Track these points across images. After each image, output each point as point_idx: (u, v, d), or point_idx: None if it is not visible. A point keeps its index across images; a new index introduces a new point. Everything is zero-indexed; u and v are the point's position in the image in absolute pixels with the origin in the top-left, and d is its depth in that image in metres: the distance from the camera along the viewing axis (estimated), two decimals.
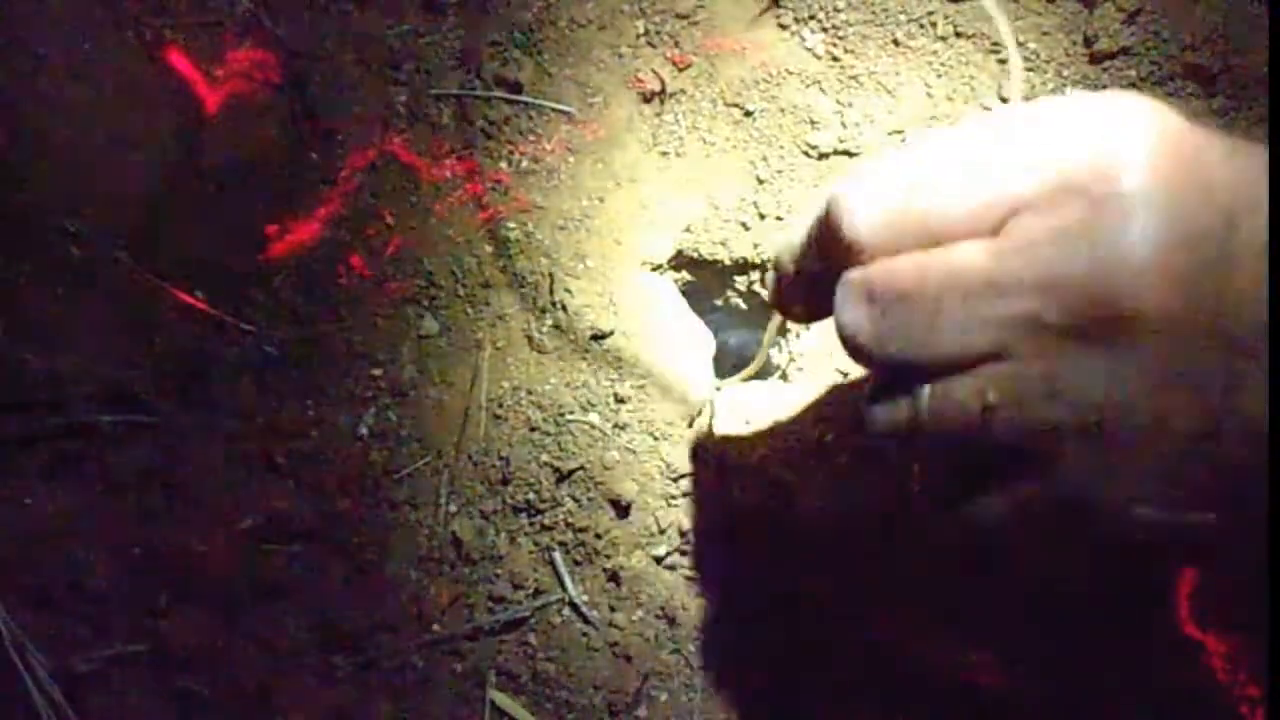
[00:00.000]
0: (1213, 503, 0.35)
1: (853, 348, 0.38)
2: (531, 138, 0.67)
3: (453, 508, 0.65)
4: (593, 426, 0.64)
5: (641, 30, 0.68)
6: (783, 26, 0.67)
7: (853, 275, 0.38)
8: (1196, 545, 0.36)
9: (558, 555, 0.64)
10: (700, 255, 0.68)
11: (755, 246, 0.66)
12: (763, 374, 0.68)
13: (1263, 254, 0.33)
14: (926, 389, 0.37)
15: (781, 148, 0.66)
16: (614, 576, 0.63)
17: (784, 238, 0.45)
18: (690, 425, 0.65)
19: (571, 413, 0.64)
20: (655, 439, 0.64)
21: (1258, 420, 0.33)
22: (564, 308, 0.65)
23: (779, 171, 0.66)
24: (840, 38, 0.66)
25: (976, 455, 0.38)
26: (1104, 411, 0.34)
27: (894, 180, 0.37)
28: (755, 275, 0.69)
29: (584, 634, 0.63)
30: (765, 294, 0.48)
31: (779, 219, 0.66)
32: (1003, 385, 0.36)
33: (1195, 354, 0.33)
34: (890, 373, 0.39)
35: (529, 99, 0.67)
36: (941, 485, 0.41)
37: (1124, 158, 0.33)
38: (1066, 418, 0.35)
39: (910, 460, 0.42)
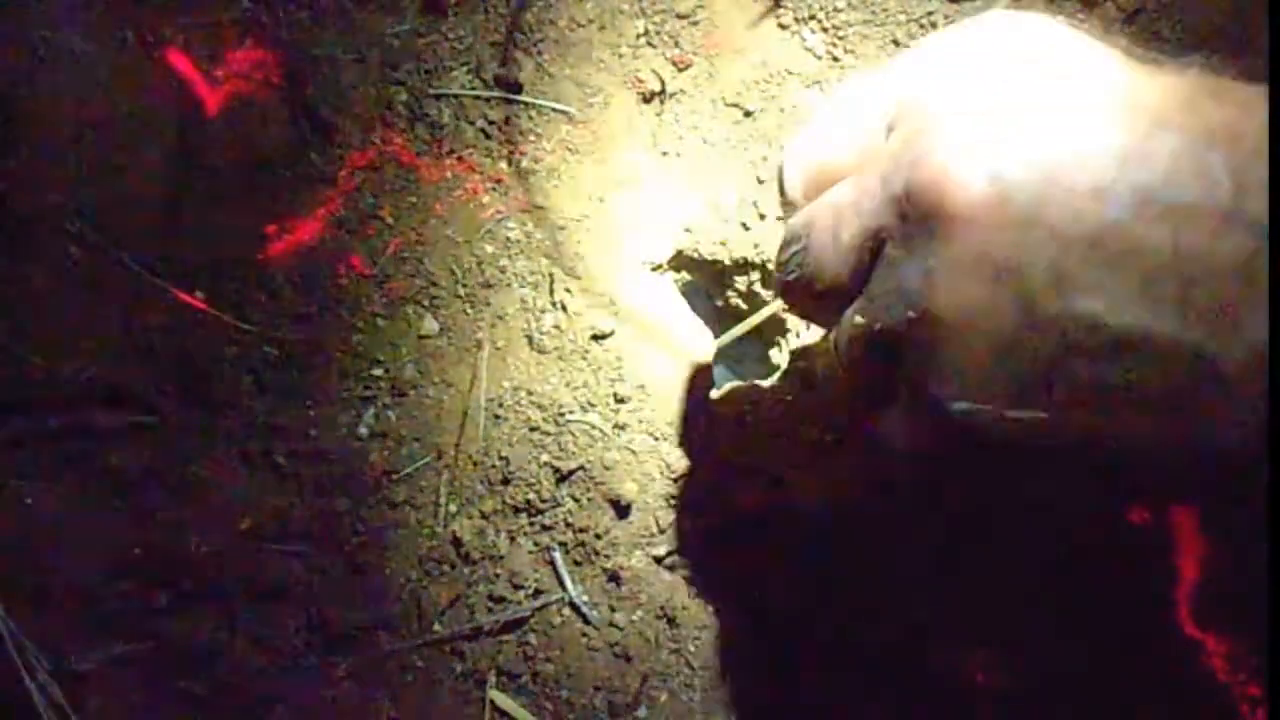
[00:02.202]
0: (1038, 398, 0.34)
1: (782, 286, 0.43)
2: (531, 138, 0.67)
3: (453, 508, 0.65)
4: (593, 426, 0.64)
5: (641, 30, 0.68)
6: (783, 26, 0.67)
7: (786, 224, 0.43)
8: (1039, 445, 0.36)
9: (558, 555, 0.64)
10: (700, 255, 0.68)
11: (755, 246, 0.66)
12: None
13: (1090, 147, 0.33)
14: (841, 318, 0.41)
15: (781, 148, 0.66)
16: (614, 576, 0.63)
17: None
18: (689, 388, 0.65)
19: (571, 413, 0.64)
20: (655, 439, 0.64)
21: (1089, 314, 0.32)
22: (564, 308, 0.65)
23: None
24: (840, 38, 0.66)
25: (871, 377, 0.41)
26: (924, 309, 0.35)
27: (807, 139, 0.42)
28: (755, 275, 0.69)
29: (584, 634, 0.63)
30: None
31: (779, 219, 0.66)
32: (868, 300, 0.38)
33: (1008, 248, 0.33)
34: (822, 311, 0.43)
35: (529, 99, 0.67)
36: (862, 409, 0.43)
37: (934, 72, 0.37)
38: (902, 319, 0.36)
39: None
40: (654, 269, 0.68)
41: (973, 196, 0.33)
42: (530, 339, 0.65)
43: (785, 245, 0.42)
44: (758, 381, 0.68)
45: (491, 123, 0.67)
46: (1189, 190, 0.31)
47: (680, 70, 0.68)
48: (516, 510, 0.64)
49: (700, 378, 0.67)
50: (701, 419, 0.66)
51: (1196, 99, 0.33)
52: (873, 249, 0.38)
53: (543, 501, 0.64)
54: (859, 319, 0.39)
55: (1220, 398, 0.31)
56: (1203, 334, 0.31)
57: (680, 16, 0.67)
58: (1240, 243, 0.30)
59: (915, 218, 0.35)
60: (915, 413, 0.38)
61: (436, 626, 0.64)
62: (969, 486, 0.56)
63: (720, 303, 0.73)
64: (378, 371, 0.66)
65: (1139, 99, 0.33)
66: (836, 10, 0.65)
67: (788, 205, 0.43)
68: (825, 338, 0.46)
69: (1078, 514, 0.58)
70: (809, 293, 0.41)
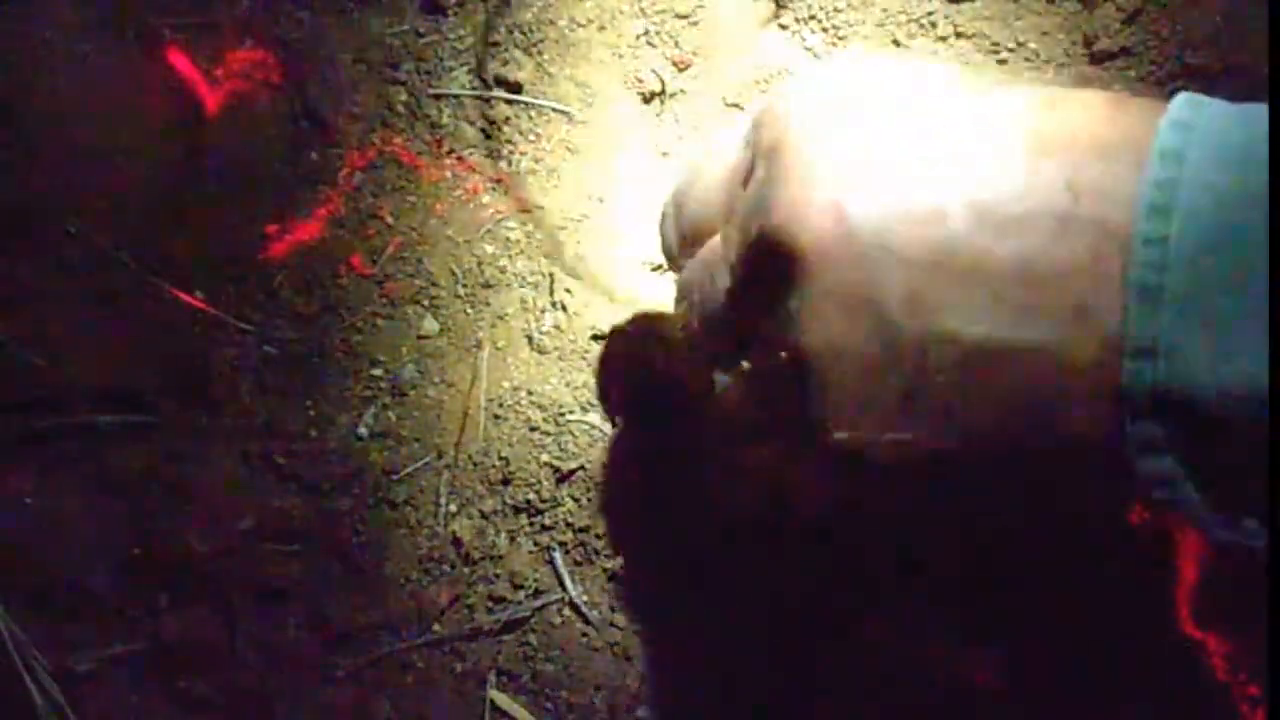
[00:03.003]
0: (909, 419, 0.35)
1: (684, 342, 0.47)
2: (531, 138, 0.67)
3: (453, 508, 0.65)
4: (593, 426, 0.64)
5: (641, 30, 0.68)
6: (783, 27, 0.67)
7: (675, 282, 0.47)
8: (923, 464, 0.37)
9: (558, 555, 0.64)
10: None
11: None
12: None
13: (931, 172, 0.34)
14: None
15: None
16: (614, 576, 0.63)
17: None
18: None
19: (571, 413, 0.64)
20: (655, 439, 0.64)
21: (945, 332, 0.33)
22: (564, 308, 0.65)
23: None
24: (840, 38, 0.66)
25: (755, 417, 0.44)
26: (794, 347, 0.37)
27: (677, 196, 0.46)
28: None
29: (584, 634, 0.63)
30: None
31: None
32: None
33: (861, 280, 0.34)
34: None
35: (529, 99, 0.67)
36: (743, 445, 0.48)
37: (781, 119, 0.38)
38: (776, 360, 0.38)
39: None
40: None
41: (819, 236, 0.34)
42: (530, 339, 0.65)
43: (676, 302, 0.46)
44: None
45: (491, 123, 0.67)
46: (1023, 200, 0.32)
47: (680, 70, 0.68)
48: (516, 510, 0.64)
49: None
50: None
51: (1028, 110, 0.34)
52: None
53: (543, 501, 0.64)
54: (743, 363, 0.41)
55: (1075, 385, 0.32)
56: (1053, 332, 0.32)
57: (680, 16, 0.67)
58: (1080, 243, 0.31)
59: (773, 263, 0.36)
60: (802, 445, 0.40)
61: (436, 626, 0.64)
62: (883, 510, 0.57)
63: None
64: (378, 371, 0.66)
65: (972, 117, 0.35)
66: (836, 10, 0.65)
67: (672, 262, 0.47)
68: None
69: (1005, 528, 0.59)
70: (706, 344, 0.44)
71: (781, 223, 0.35)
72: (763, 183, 0.37)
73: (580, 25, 0.68)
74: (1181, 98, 0.33)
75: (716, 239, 0.42)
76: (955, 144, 0.34)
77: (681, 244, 0.46)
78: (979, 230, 0.33)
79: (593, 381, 0.65)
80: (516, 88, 0.67)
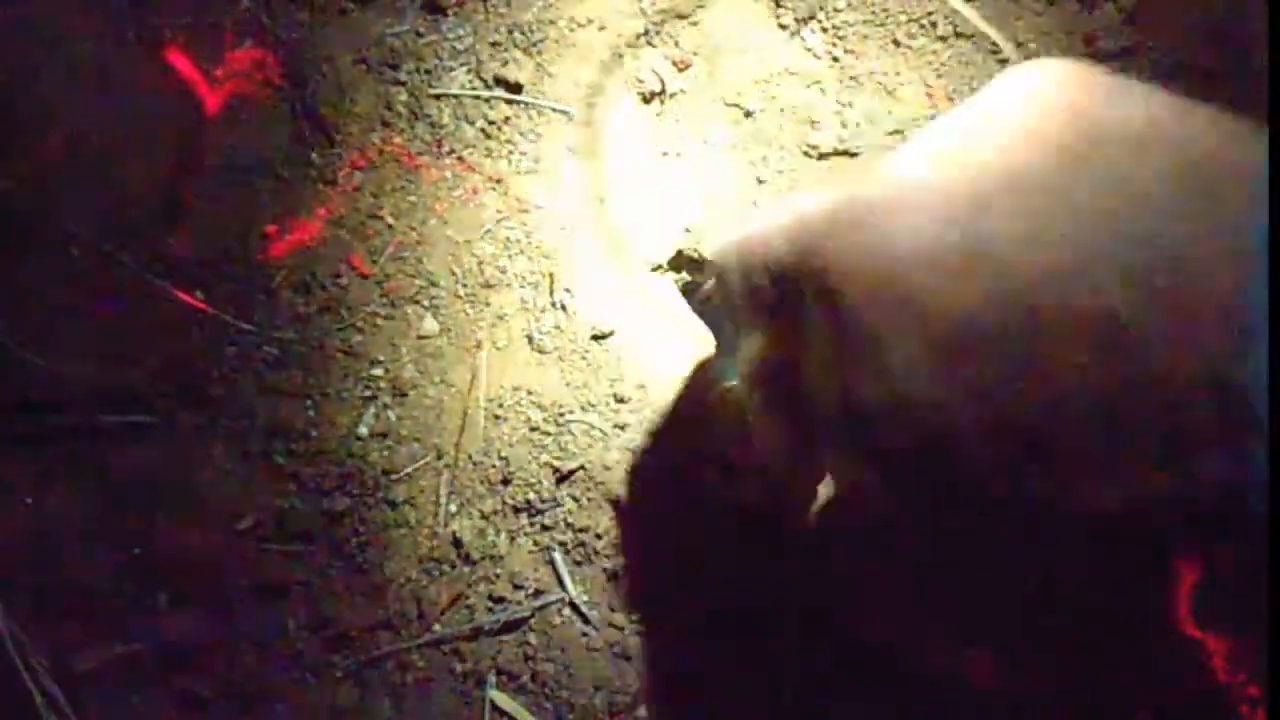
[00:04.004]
0: (890, 465, 0.38)
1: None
2: (531, 138, 0.67)
3: (453, 508, 0.65)
4: (593, 426, 0.64)
5: (641, 30, 0.68)
6: (783, 26, 0.67)
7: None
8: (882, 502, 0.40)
9: (558, 555, 0.64)
10: (700, 255, 0.68)
11: None
12: None
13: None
14: None
15: (781, 148, 0.66)
16: (614, 576, 0.63)
17: None
18: (689, 388, 0.65)
19: (571, 413, 0.64)
20: (655, 439, 0.64)
21: (899, 394, 0.35)
22: (564, 308, 0.65)
23: (779, 171, 0.66)
24: (840, 38, 0.66)
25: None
26: (806, 377, 0.40)
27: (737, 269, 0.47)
28: None
29: (584, 634, 0.63)
30: None
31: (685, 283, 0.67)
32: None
33: (860, 322, 0.36)
34: None
35: (529, 99, 0.67)
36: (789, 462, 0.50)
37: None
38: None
39: None
40: (654, 269, 0.68)
41: (836, 278, 0.38)
42: (530, 339, 0.65)
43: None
44: None
45: (491, 123, 0.67)
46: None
47: (680, 70, 0.68)
48: (516, 510, 0.64)
49: (700, 377, 0.67)
50: (701, 419, 0.66)
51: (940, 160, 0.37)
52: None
53: (543, 501, 0.64)
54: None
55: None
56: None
57: (680, 16, 0.67)
58: None
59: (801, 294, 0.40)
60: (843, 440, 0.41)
61: (436, 626, 0.64)
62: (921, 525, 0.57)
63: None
64: (378, 371, 0.66)
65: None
66: (836, 10, 0.65)
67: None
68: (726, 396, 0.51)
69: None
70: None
71: (806, 263, 0.39)
72: (857, 380, 0.38)
73: (580, 25, 0.68)
74: None
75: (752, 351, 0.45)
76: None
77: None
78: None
79: (593, 381, 0.65)
80: (516, 88, 0.67)
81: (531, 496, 0.64)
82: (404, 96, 0.67)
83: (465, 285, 0.66)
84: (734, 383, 0.68)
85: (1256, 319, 0.30)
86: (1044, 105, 0.36)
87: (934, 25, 0.65)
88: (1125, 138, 0.34)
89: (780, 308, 0.43)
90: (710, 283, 0.50)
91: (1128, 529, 0.41)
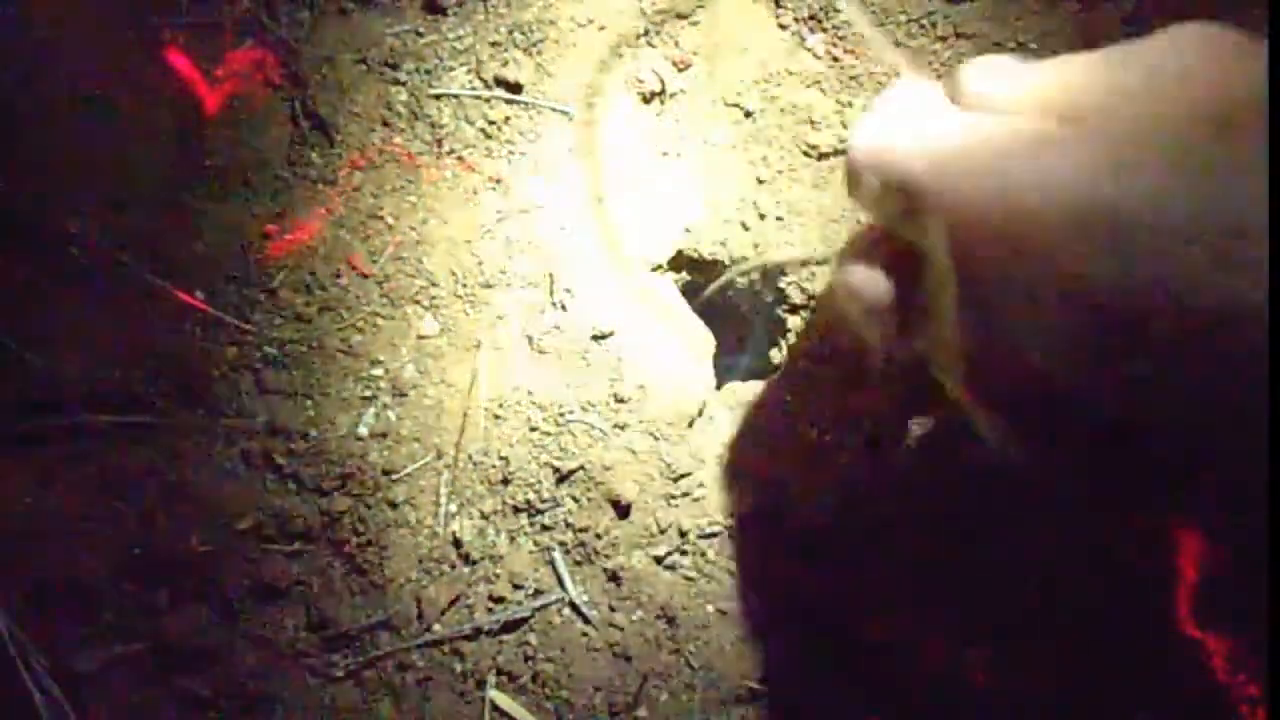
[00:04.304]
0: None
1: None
2: (531, 138, 0.67)
3: (453, 508, 0.65)
4: (593, 426, 0.64)
5: (641, 30, 0.68)
6: (783, 26, 0.67)
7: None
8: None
9: (558, 555, 0.64)
10: (700, 255, 0.68)
11: (755, 246, 0.67)
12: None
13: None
14: None
15: (781, 148, 0.66)
16: (614, 576, 0.63)
17: None
18: (689, 388, 0.65)
19: (571, 413, 0.64)
20: (655, 439, 0.64)
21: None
22: (564, 308, 0.65)
23: (779, 171, 0.66)
24: (840, 38, 0.66)
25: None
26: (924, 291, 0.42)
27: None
28: (755, 275, 0.69)
29: (584, 634, 0.63)
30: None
31: (779, 219, 0.66)
32: None
33: (983, 275, 0.37)
34: None
35: (529, 99, 0.67)
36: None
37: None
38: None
39: None
40: (654, 269, 0.68)
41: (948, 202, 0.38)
42: (530, 339, 0.65)
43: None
44: (757, 381, 0.68)
45: (491, 123, 0.67)
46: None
47: (680, 70, 0.68)
48: (516, 510, 0.64)
49: (701, 377, 0.67)
50: (702, 419, 0.66)
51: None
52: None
53: (543, 501, 0.64)
54: None
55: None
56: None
57: (680, 16, 0.67)
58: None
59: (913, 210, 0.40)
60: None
61: (436, 626, 0.64)
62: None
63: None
64: (378, 371, 0.66)
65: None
66: (836, 10, 0.65)
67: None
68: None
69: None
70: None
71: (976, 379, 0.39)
72: (960, 331, 0.38)
73: (580, 25, 0.68)
74: None
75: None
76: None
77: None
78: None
79: (593, 381, 0.65)
80: (516, 88, 0.67)
81: (531, 496, 0.64)
82: (404, 96, 0.67)
83: (465, 285, 0.66)
84: (735, 384, 0.68)
85: None
86: (1198, 72, 0.36)
87: (934, 25, 0.65)
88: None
89: (908, 218, 0.41)
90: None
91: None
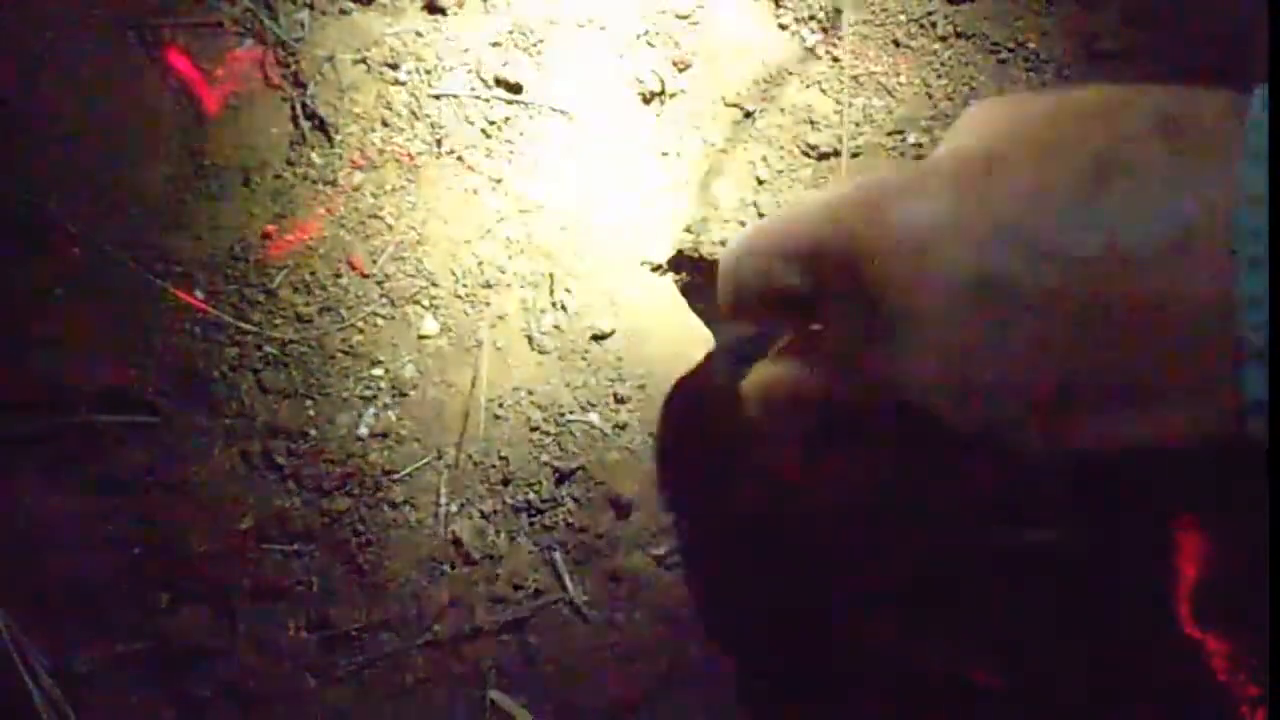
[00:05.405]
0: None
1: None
2: (531, 138, 0.67)
3: (453, 508, 0.65)
4: (593, 426, 0.64)
5: (641, 30, 0.68)
6: (783, 26, 0.67)
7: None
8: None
9: (558, 555, 0.64)
10: (700, 255, 0.68)
11: None
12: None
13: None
14: None
15: (781, 148, 0.66)
16: (614, 576, 0.63)
17: None
18: (689, 387, 0.65)
19: (571, 413, 0.64)
20: (655, 439, 0.64)
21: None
22: (564, 308, 0.65)
23: (779, 171, 0.66)
24: (840, 38, 0.66)
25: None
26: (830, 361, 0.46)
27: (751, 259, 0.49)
28: None
29: (584, 634, 0.63)
30: None
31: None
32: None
33: (891, 299, 0.39)
34: None
35: (529, 99, 0.67)
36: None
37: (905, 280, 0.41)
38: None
39: None
40: (654, 269, 0.68)
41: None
42: (530, 339, 0.65)
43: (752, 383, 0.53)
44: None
45: (491, 123, 0.67)
46: None
47: (680, 70, 0.68)
48: (516, 510, 0.64)
49: (701, 377, 0.67)
50: (702, 418, 0.66)
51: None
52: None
53: (543, 501, 0.64)
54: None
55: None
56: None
57: (680, 16, 0.67)
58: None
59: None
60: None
61: (436, 626, 0.64)
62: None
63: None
64: (378, 371, 0.66)
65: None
66: (836, 10, 0.66)
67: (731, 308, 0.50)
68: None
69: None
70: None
71: (911, 398, 0.41)
72: (891, 354, 0.40)
73: (580, 25, 0.68)
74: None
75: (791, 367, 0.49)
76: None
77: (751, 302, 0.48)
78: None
79: (593, 381, 0.65)
80: (516, 88, 0.67)
81: (531, 496, 0.64)
82: (404, 96, 0.67)
83: (465, 285, 0.66)
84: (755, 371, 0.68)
85: (1257, 252, 0.32)
86: (1016, 101, 0.41)
87: (934, 25, 0.65)
88: (1108, 104, 0.37)
89: (800, 300, 0.44)
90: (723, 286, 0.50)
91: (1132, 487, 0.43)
